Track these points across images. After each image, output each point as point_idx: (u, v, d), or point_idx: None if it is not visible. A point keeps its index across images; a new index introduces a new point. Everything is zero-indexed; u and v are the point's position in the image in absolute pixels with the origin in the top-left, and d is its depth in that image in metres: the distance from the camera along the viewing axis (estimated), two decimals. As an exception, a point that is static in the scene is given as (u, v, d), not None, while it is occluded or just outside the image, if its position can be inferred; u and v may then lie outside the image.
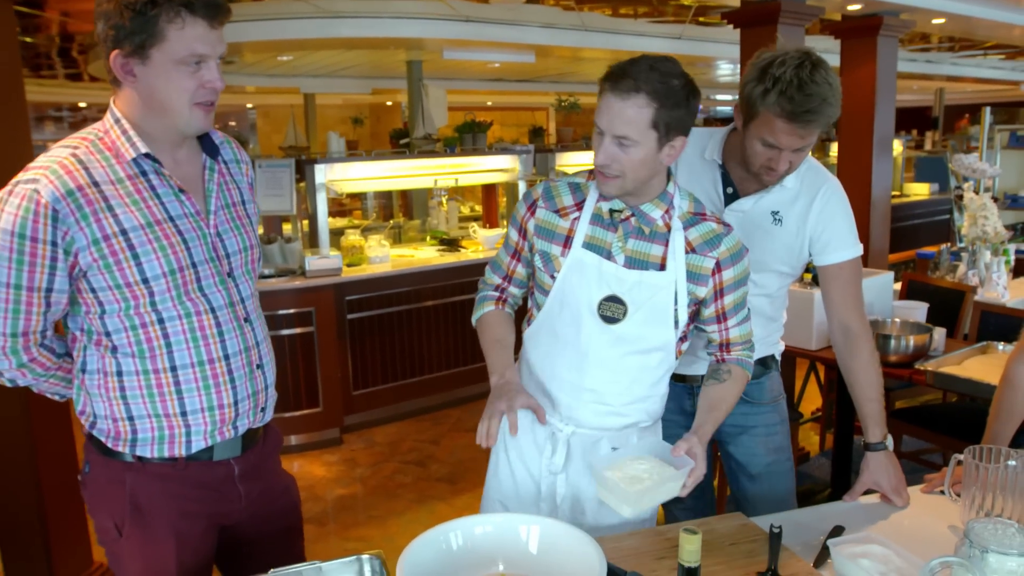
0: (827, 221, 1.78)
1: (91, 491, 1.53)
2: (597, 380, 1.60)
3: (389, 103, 12.17)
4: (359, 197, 7.61)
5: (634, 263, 1.56)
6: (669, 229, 1.56)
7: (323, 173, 4.51)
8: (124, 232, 1.37)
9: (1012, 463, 1.54)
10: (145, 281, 1.39)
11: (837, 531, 1.59)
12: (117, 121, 1.41)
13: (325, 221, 4.55)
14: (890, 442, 1.82)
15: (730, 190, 1.81)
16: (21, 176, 1.36)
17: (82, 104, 12.40)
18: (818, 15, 3.84)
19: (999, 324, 3.31)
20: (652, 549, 1.51)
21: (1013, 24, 5.05)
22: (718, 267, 1.57)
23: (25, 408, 2.55)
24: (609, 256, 1.56)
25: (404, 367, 4.63)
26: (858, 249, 1.81)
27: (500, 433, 1.60)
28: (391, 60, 7.72)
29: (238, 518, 1.59)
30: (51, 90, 10.13)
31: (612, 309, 1.55)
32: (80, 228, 1.34)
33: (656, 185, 1.55)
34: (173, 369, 1.45)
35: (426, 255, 5.01)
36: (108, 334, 1.43)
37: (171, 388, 1.46)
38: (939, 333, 3.01)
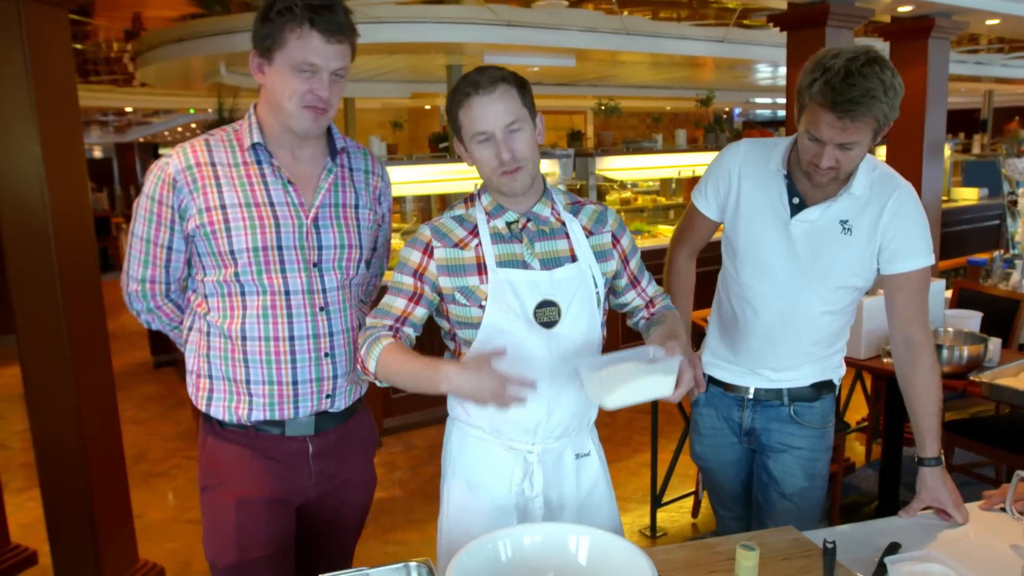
0: (898, 227, 1.71)
1: (197, 443, 1.74)
2: (556, 386, 1.59)
3: (428, 107, 12.22)
4: (397, 201, 7.65)
5: (549, 263, 1.59)
6: (562, 223, 1.63)
7: (364, 177, 4.53)
8: (223, 207, 1.56)
9: (1081, 481, 1.48)
10: (231, 252, 1.56)
11: (893, 548, 1.54)
12: (249, 116, 1.61)
13: (366, 225, 4.57)
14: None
15: (796, 200, 1.76)
16: (165, 153, 1.62)
17: (128, 109, 12.70)
18: (868, 17, 3.76)
19: (1057, 335, 3.20)
20: (704, 563, 1.48)
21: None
22: (615, 238, 1.68)
23: (75, 404, 2.60)
24: (525, 266, 1.58)
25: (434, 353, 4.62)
26: (930, 258, 1.73)
27: (447, 476, 1.69)
28: (430, 64, 7.75)
29: (308, 496, 1.69)
30: (98, 95, 10.37)
31: (548, 314, 1.57)
32: (192, 197, 1.56)
33: (538, 180, 1.61)
34: (243, 339, 1.60)
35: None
36: (206, 297, 1.63)
37: (240, 355, 1.61)
38: (994, 344, 2.92)
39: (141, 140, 17.49)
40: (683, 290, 2.06)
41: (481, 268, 1.57)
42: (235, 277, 1.57)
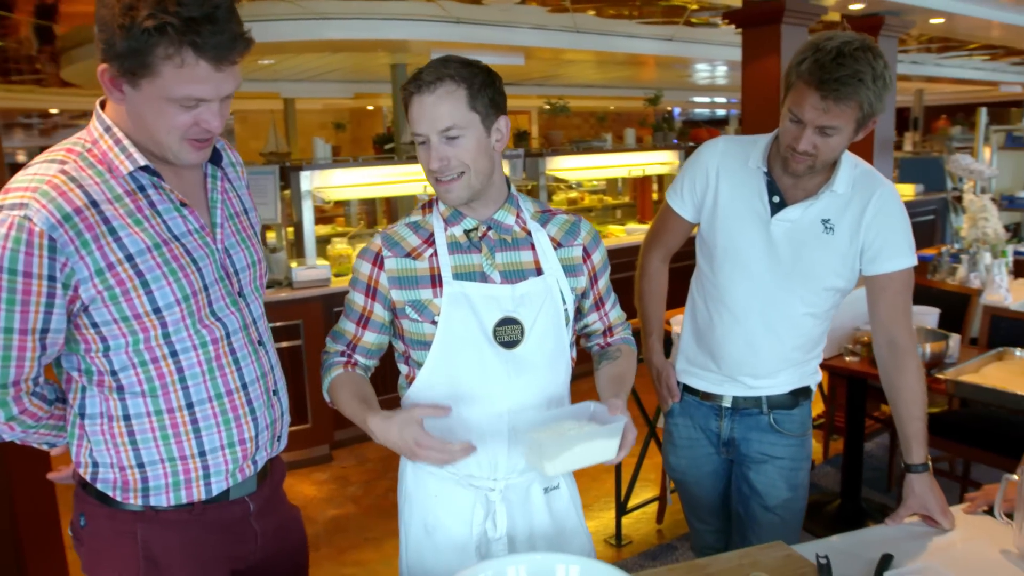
0: (881, 226, 1.67)
1: (91, 547, 1.37)
2: (519, 415, 1.44)
3: (370, 107, 12.00)
4: (341, 204, 7.46)
5: (511, 276, 1.45)
6: (528, 233, 1.49)
7: (308, 180, 4.37)
8: (130, 258, 1.22)
9: (1072, 484, 1.45)
10: (157, 311, 1.24)
11: (887, 560, 1.48)
12: (108, 129, 1.24)
13: (311, 229, 4.41)
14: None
15: (776, 199, 1.70)
16: (1, 201, 1.17)
17: (53, 110, 12.11)
18: (821, 15, 3.78)
19: (1010, 328, 3.24)
20: (695, 587, 1.39)
21: (1012, 24, 5.03)
22: (586, 252, 1.54)
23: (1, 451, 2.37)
24: (484, 278, 1.44)
25: (396, 379, 4.48)
26: (914, 258, 1.69)
27: (403, 514, 1.56)
28: (374, 63, 7.57)
29: (252, 560, 1.45)
30: (19, 96, 9.84)
31: (509, 332, 1.43)
32: (81, 257, 1.18)
33: (499, 187, 1.47)
34: (190, 406, 1.31)
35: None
36: (113, 373, 1.28)
37: (187, 427, 1.31)
38: (954, 340, 2.93)
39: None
40: (656, 294, 1.98)
41: (435, 280, 1.44)
42: (163, 339, 1.26)
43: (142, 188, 1.25)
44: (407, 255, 1.46)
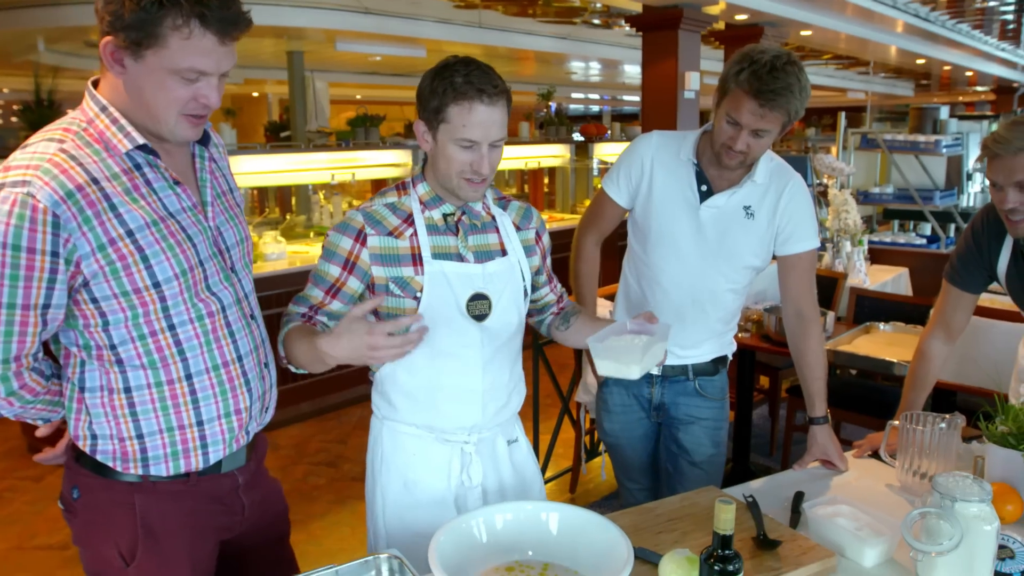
0: (792, 212, 1.93)
1: (85, 519, 1.40)
2: (489, 377, 1.63)
3: (256, 94, 11.62)
4: (254, 190, 7.25)
5: (481, 256, 1.61)
6: (492, 217, 1.66)
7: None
8: (131, 233, 1.25)
9: (942, 425, 1.76)
10: (156, 285, 1.28)
11: (799, 496, 1.74)
12: (104, 109, 1.27)
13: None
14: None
15: (704, 188, 1.93)
16: (3, 179, 1.18)
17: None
18: (713, 22, 4.11)
19: (873, 306, 3.70)
20: (649, 525, 1.59)
21: (867, 40, 5.64)
22: (538, 235, 1.74)
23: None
24: (460, 259, 1.58)
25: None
26: (816, 241, 1.97)
27: (379, 475, 1.65)
28: (262, 50, 7.39)
29: (238, 530, 1.52)
30: None
31: (479, 307, 1.58)
32: (83, 233, 1.20)
33: None
34: (188, 377, 1.36)
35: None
36: (113, 347, 1.31)
37: (186, 398, 1.36)
38: (830, 317, 3.32)
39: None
40: (590, 275, 2.17)
41: (416, 259, 1.56)
42: (161, 312, 1.30)
43: (138, 166, 1.29)
44: (389, 234, 1.56)
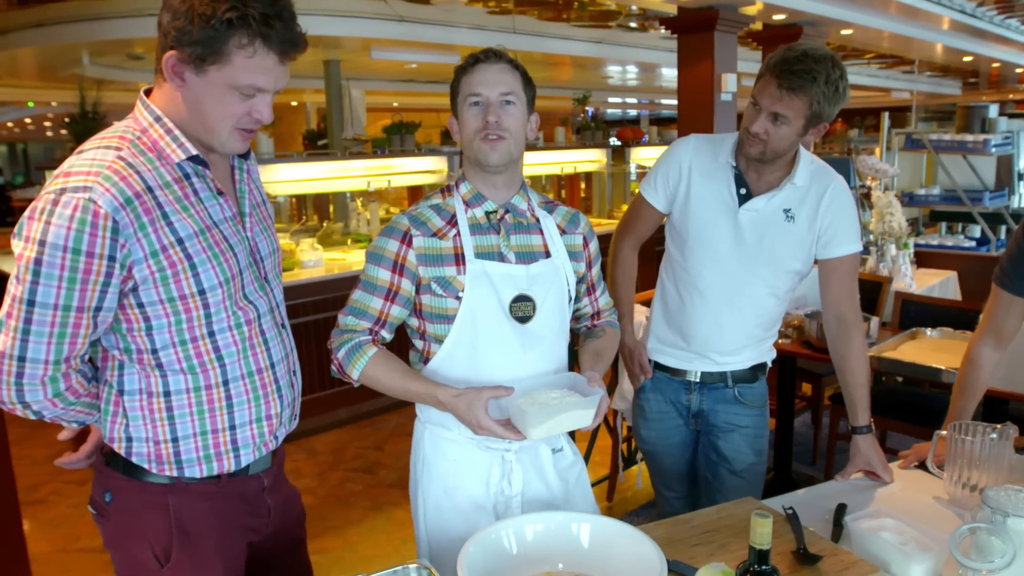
0: (834, 216, 1.88)
1: (118, 521, 1.42)
2: (527, 384, 1.57)
3: (294, 103, 11.81)
4: (274, 200, 7.36)
5: (524, 257, 1.60)
6: (537, 219, 1.64)
7: (253, 175, 4.34)
8: (180, 241, 1.29)
9: (993, 435, 1.68)
10: (201, 292, 1.32)
11: (842, 509, 1.68)
12: (158, 119, 1.31)
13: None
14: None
15: (743, 190, 1.89)
16: (64, 183, 1.22)
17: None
18: (749, 23, 4.05)
19: (919, 311, 3.59)
20: (684, 537, 1.56)
21: (911, 38, 5.51)
22: (585, 241, 1.71)
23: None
24: (502, 258, 1.58)
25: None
26: (859, 245, 1.91)
27: (421, 479, 1.66)
28: (299, 59, 7.48)
29: (264, 532, 1.54)
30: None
31: (523, 308, 1.57)
32: (138, 239, 1.24)
33: (519, 173, 1.64)
34: (225, 383, 1.39)
35: (358, 258, 4.92)
36: (154, 351, 1.34)
37: (222, 403, 1.39)
38: (874, 322, 3.23)
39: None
40: (627, 279, 2.15)
41: (459, 259, 1.56)
42: (204, 319, 1.34)
43: (187, 176, 1.33)
44: (433, 235, 1.57)
